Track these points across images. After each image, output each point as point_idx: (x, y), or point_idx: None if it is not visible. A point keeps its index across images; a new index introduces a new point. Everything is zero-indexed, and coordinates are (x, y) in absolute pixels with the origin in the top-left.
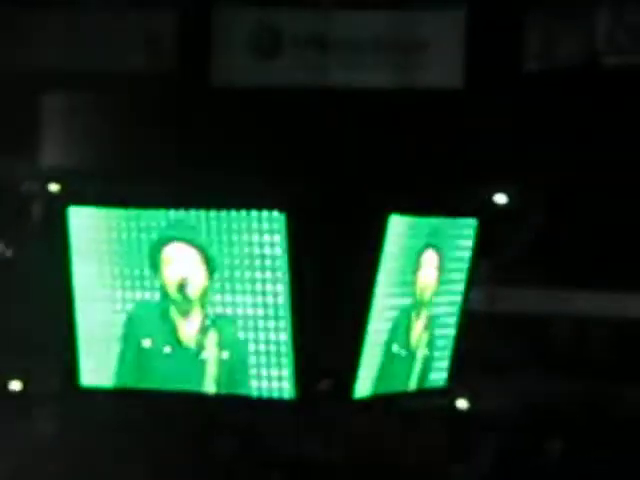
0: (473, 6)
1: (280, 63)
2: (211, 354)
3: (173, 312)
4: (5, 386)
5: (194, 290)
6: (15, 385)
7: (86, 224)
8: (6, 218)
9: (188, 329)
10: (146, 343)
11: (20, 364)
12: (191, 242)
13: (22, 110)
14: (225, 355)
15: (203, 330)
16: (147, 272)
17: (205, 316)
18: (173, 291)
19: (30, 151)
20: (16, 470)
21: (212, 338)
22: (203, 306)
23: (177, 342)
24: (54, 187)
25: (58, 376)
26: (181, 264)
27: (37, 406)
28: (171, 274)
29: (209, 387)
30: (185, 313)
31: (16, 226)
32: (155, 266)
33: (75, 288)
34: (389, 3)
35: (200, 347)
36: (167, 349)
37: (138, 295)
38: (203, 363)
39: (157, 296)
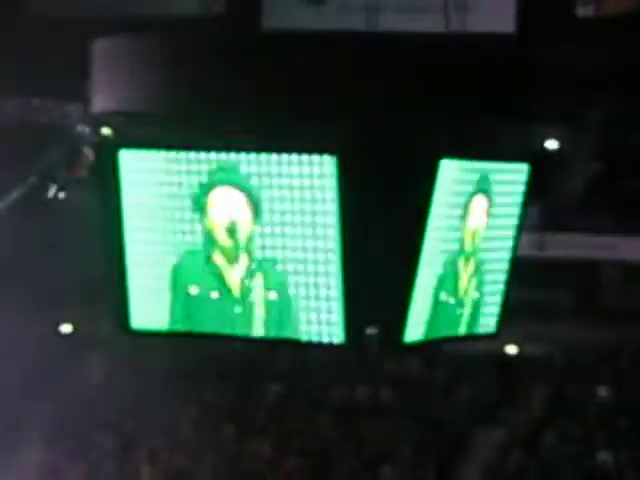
0: None
1: (329, 8)
2: (258, 298)
3: (218, 257)
4: (57, 329)
5: (241, 234)
6: (66, 328)
7: (136, 167)
8: (59, 161)
9: (235, 274)
10: (193, 290)
11: (72, 307)
12: (239, 186)
13: (73, 55)
14: (273, 298)
15: (250, 274)
16: (194, 216)
17: (252, 260)
18: (220, 235)
19: (81, 95)
20: (69, 411)
21: (259, 282)
22: (250, 250)
23: (224, 287)
24: (105, 130)
25: (109, 319)
26: (229, 208)
27: (88, 348)
28: (218, 218)
29: (257, 331)
30: (231, 257)
31: (69, 169)
32: (202, 210)
33: (125, 231)
34: None
35: (247, 291)
36: (214, 294)
37: (185, 239)
38: (251, 307)
39: (203, 241)
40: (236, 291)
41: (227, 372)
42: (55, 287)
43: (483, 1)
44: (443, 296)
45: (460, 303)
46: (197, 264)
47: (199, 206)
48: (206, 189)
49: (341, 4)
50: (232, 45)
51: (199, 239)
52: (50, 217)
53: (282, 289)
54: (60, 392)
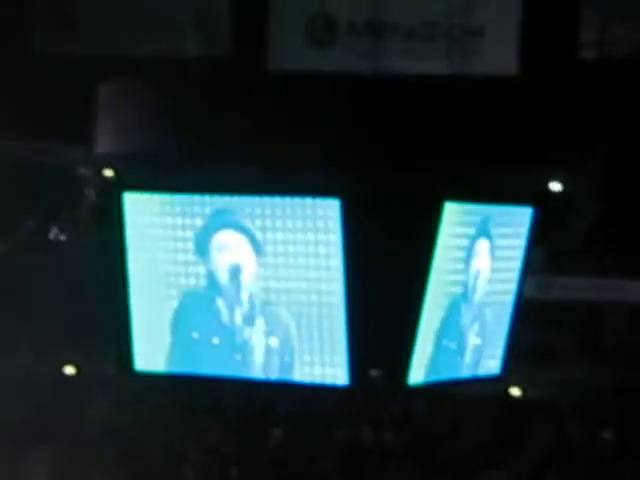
0: None
1: (335, 49)
2: (259, 343)
3: (220, 302)
4: (60, 371)
5: (245, 277)
6: (70, 370)
7: (140, 209)
8: (61, 203)
9: (236, 318)
10: (195, 334)
11: (74, 349)
12: (243, 229)
13: (77, 96)
14: (274, 342)
15: (251, 318)
16: (197, 260)
17: (253, 304)
18: (222, 278)
19: (85, 137)
20: (71, 452)
21: (260, 326)
22: (251, 294)
23: (225, 331)
24: (108, 173)
25: (112, 361)
26: (232, 251)
27: (91, 390)
28: (222, 261)
29: (259, 374)
30: (234, 301)
31: (71, 211)
32: (204, 253)
33: (129, 273)
34: None
35: (248, 336)
36: (215, 338)
37: (188, 282)
38: (251, 352)
39: (205, 285)
40: (237, 336)
41: (231, 414)
42: (58, 329)
43: (487, 44)
44: (447, 338)
45: (462, 348)
46: (199, 308)
47: (202, 249)
48: (209, 232)
49: (347, 47)
50: (237, 87)
51: (201, 282)
52: (52, 259)
53: (284, 333)
54: (64, 433)
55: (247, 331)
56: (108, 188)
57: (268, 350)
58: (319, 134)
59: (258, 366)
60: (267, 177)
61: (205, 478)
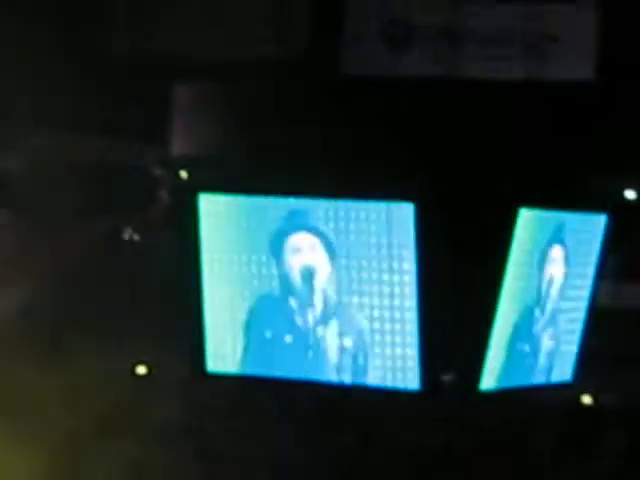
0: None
1: (411, 54)
2: (333, 343)
3: (293, 302)
4: (133, 371)
5: (317, 279)
6: (142, 369)
7: (215, 211)
8: (137, 204)
9: (309, 318)
10: (267, 334)
11: (147, 349)
12: (317, 232)
13: (153, 97)
14: (348, 344)
15: (325, 319)
16: (270, 261)
17: (327, 305)
18: (296, 280)
19: (161, 138)
20: (144, 454)
21: (334, 327)
22: (325, 295)
23: (298, 332)
24: (184, 174)
25: (185, 361)
26: (306, 254)
27: (163, 390)
28: (296, 263)
29: (332, 376)
30: (307, 302)
31: (146, 212)
32: (278, 254)
33: (203, 275)
34: None
35: (322, 336)
36: (288, 339)
37: (261, 283)
38: (325, 352)
39: (279, 285)
40: (310, 336)
41: (303, 416)
42: (132, 329)
43: (564, 48)
44: (519, 345)
45: (535, 352)
46: (272, 308)
47: (276, 251)
48: (283, 234)
49: (422, 50)
50: (311, 89)
51: (275, 284)
52: (128, 259)
53: (357, 335)
54: (137, 433)
55: (320, 331)
56: (183, 189)
57: (342, 350)
58: (394, 137)
59: (331, 367)
60: (341, 180)
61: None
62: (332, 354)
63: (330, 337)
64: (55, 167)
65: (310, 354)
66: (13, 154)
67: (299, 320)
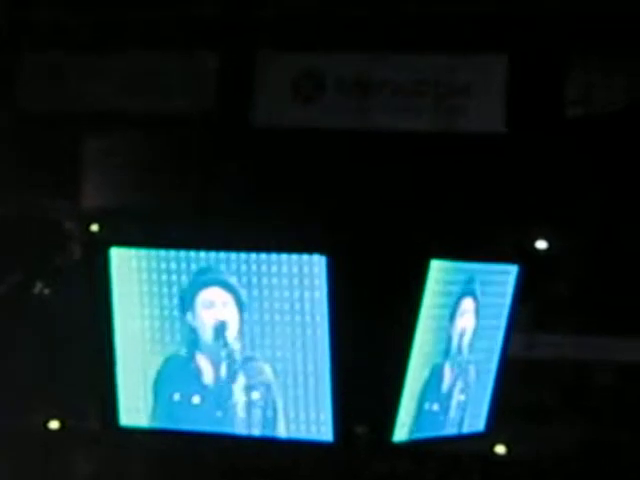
0: (514, 51)
1: (321, 105)
2: (241, 399)
3: (201, 359)
4: (45, 425)
5: (229, 334)
6: (54, 424)
7: (126, 265)
8: (46, 257)
9: (218, 374)
10: (175, 395)
11: (58, 404)
12: (228, 287)
13: (63, 151)
14: (255, 396)
15: (232, 374)
16: (181, 317)
17: (236, 359)
18: (207, 335)
19: (71, 192)
20: None
21: (241, 381)
22: (236, 350)
23: (205, 390)
24: (95, 227)
25: (96, 416)
26: (218, 308)
27: (75, 445)
28: (207, 318)
29: (241, 431)
30: (216, 358)
31: (57, 265)
32: (189, 309)
33: (115, 329)
34: (431, 47)
35: (230, 392)
36: (196, 399)
37: (171, 340)
38: (233, 408)
39: (188, 342)
40: (218, 394)
41: (214, 469)
42: (42, 384)
43: (473, 101)
44: (428, 402)
45: (446, 407)
46: (179, 368)
47: (187, 306)
48: (195, 288)
49: (331, 103)
50: (222, 142)
51: (183, 340)
52: (36, 313)
53: (266, 388)
54: None
55: (228, 388)
56: (94, 243)
57: (250, 405)
58: (305, 190)
59: (240, 422)
60: (252, 233)
61: None
62: (241, 410)
63: (238, 393)
64: None
65: (218, 412)
66: None
67: (207, 378)
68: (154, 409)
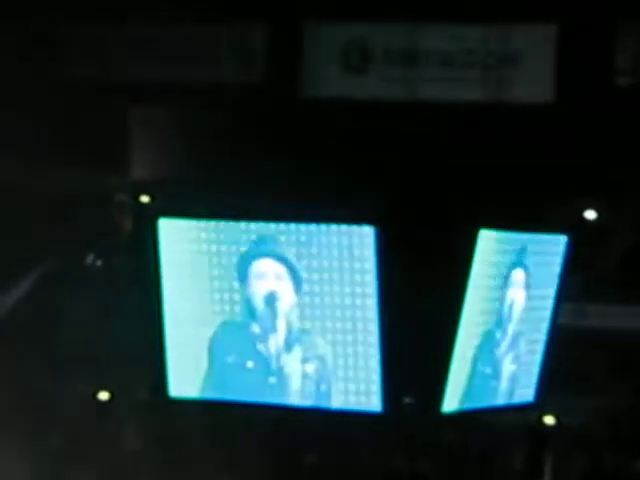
0: (564, 20)
1: (369, 77)
2: (295, 369)
3: (256, 327)
4: (94, 396)
5: (281, 304)
6: (103, 395)
7: (176, 236)
8: (98, 230)
9: (272, 344)
10: (230, 359)
11: (109, 375)
12: (281, 259)
13: (113, 123)
14: (310, 369)
15: (288, 345)
16: (234, 286)
17: (290, 331)
18: (259, 305)
19: (121, 164)
20: (105, 478)
21: (297, 353)
22: (289, 321)
23: (259, 357)
24: (144, 199)
25: (146, 387)
26: (270, 280)
27: (125, 416)
28: (260, 290)
29: (293, 400)
30: (270, 328)
31: (107, 237)
32: (242, 279)
33: (164, 300)
34: (481, 17)
35: (285, 362)
36: (250, 364)
37: (223, 309)
38: (287, 377)
39: (242, 310)
40: (272, 362)
41: (264, 440)
42: (93, 354)
43: (522, 71)
44: (480, 367)
45: (497, 374)
46: (234, 334)
47: (239, 276)
48: (247, 259)
49: (381, 74)
50: (272, 113)
51: (238, 308)
52: (88, 285)
53: (320, 361)
54: (99, 458)
55: (283, 357)
56: (144, 214)
57: (304, 377)
58: (353, 160)
59: (294, 393)
60: (303, 204)
61: None
62: (295, 380)
63: (293, 363)
64: (19, 195)
65: (272, 380)
66: None
67: (261, 346)
68: (206, 378)
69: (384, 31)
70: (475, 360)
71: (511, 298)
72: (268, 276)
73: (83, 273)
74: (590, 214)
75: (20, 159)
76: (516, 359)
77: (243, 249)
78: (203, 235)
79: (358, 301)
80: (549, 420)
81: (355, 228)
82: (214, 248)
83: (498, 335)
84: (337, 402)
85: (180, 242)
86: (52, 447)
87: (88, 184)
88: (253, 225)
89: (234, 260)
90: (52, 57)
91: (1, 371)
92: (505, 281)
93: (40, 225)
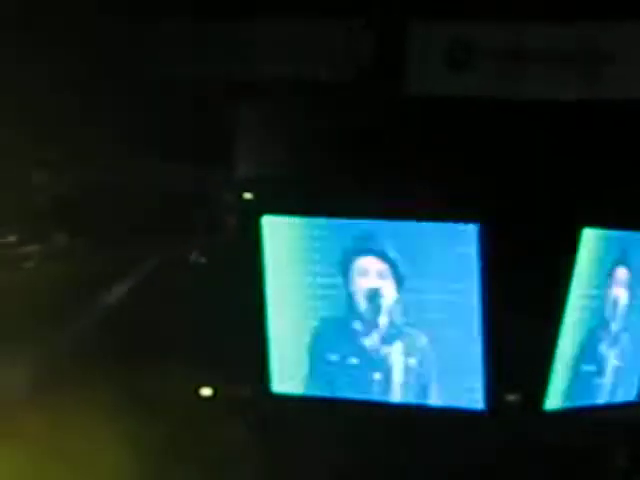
0: None
1: (473, 75)
2: (397, 364)
3: (358, 324)
4: (197, 392)
5: (384, 302)
6: (206, 391)
7: (279, 233)
8: (201, 226)
9: (374, 340)
10: (333, 355)
11: (212, 371)
12: (382, 254)
13: (216, 119)
14: (412, 365)
15: (389, 340)
16: (336, 283)
17: (392, 326)
18: (362, 302)
19: (225, 160)
20: (208, 474)
21: (398, 348)
22: (391, 317)
23: (362, 353)
24: (248, 196)
25: (250, 382)
26: (373, 277)
27: (228, 412)
28: (362, 285)
29: (396, 397)
30: (372, 324)
31: (211, 234)
32: (345, 277)
33: (267, 296)
34: (581, 15)
35: (386, 357)
36: (353, 360)
37: (326, 305)
38: (389, 373)
39: (344, 307)
40: (374, 357)
41: (366, 436)
42: (197, 351)
43: (620, 68)
44: (583, 364)
45: (601, 372)
46: (337, 329)
47: (342, 272)
48: (350, 256)
49: (484, 71)
50: (375, 111)
51: (340, 305)
52: (192, 282)
53: (422, 356)
54: (202, 455)
55: (385, 352)
56: (247, 211)
57: (407, 373)
58: (456, 158)
59: (396, 388)
60: (405, 203)
61: None
62: (397, 375)
63: (395, 359)
64: (120, 191)
65: (375, 375)
66: (76, 180)
67: (364, 341)
68: (309, 374)
69: (488, 29)
70: (578, 358)
71: (614, 296)
72: (371, 273)
73: (188, 270)
74: None
75: (128, 158)
76: (619, 357)
77: (346, 246)
78: (306, 232)
79: (460, 298)
80: None
81: (458, 226)
82: (317, 245)
83: (602, 333)
84: (438, 399)
85: (283, 239)
86: (154, 444)
87: (192, 182)
88: (356, 222)
89: (337, 257)
90: (161, 54)
91: (105, 367)
92: (608, 279)
93: (148, 222)
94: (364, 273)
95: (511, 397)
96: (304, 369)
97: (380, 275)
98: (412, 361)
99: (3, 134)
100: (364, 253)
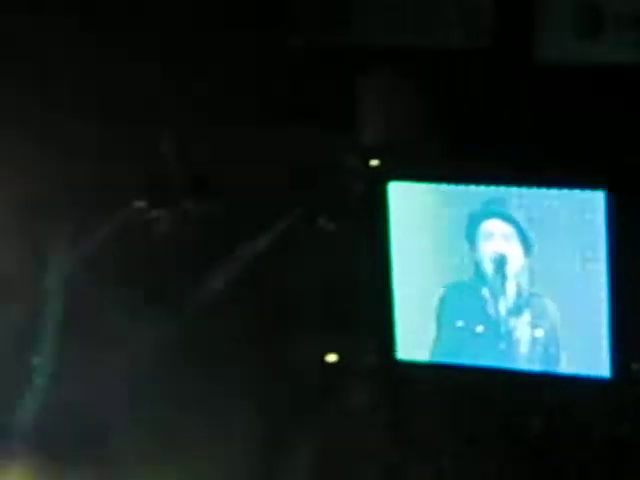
0: None
1: (602, 41)
2: (525, 333)
3: (485, 291)
4: (322, 359)
5: (510, 268)
6: (331, 358)
7: (405, 199)
8: (329, 193)
9: (501, 308)
10: (459, 323)
11: (337, 337)
12: (508, 219)
13: (343, 87)
14: (539, 334)
15: (517, 308)
16: (462, 249)
17: (519, 295)
18: (488, 268)
19: (351, 127)
20: (332, 442)
21: (526, 317)
22: (518, 285)
23: (489, 321)
24: (374, 163)
25: (374, 350)
26: (499, 241)
27: (353, 379)
28: (488, 251)
29: (523, 366)
30: (499, 291)
31: (338, 200)
32: (471, 243)
33: (393, 263)
34: None
35: (514, 326)
36: (480, 328)
37: (453, 272)
38: (516, 342)
39: (471, 274)
40: (502, 326)
41: (492, 404)
42: (323, 317)
43: None
44: None
45: None
46: (464, 297)
47: (468, 238)
48: (476, 222)
49: (611, 39)
50: (502, 78)
51: (467, 272)
52: (319, 248)
53: (549, 324)
54: (323, 422)
55: (512, 321)
56: (374, 178)
57: (533, 341)
58: (585, 126)
59: (522, 357)
60: (533, 168)
61: (464, 468)
62: (524, 345)
63: (522, 328)
64: (251, 159)
65: (501, 344)
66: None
67: (491, 309)
68: (435, 342)
69: None
70: None
71: None
72: (496, 236)
73: (315, 237)
74: None
75: (255, 125)
76: None
77: (472, 211)
78: (433, 198)
79: (588, 266)
80: None
81: (586, 193)
82: (444, 211)
83: None
84: (565, 367)
85: (409, 205)
86: (277, 410)
87: (319, 149)
88: (483, 188)
89: (463, 222)
90: (278, 26)
91: (233, 330)
92: None
93: (275, 189)
94: (489, 236)
95: (637, 365)
96: (430, 336)
97: (505, 238)
98: (539, 331)
99: (139, 102)
100: (490, 216)
